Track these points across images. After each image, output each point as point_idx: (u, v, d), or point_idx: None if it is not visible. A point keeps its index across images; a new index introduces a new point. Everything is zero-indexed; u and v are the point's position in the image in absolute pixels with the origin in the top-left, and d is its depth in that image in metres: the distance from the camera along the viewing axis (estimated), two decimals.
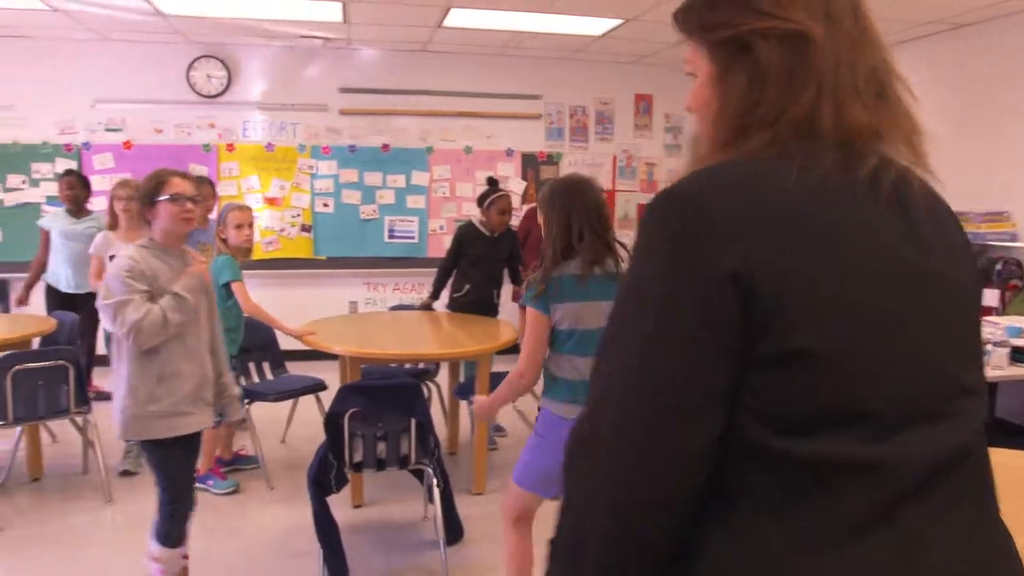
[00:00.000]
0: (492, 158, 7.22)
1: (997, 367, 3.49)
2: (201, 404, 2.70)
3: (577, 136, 7.41)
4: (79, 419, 4.02)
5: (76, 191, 5.17)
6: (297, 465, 4.16)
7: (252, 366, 4.45)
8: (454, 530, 3.39)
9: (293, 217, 6.91)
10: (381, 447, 3.05)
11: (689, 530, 0.79)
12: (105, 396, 4.55)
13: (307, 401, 4.39)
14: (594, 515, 0.79)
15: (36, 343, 4.29)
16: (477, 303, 4.81)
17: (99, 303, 2.59)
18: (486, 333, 4.14)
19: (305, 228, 6.94)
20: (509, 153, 7.26)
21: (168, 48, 6.55)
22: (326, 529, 3.01)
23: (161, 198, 2.62)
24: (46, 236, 5.23)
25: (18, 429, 3.98)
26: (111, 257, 4.17)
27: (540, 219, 2.57)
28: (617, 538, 0.78)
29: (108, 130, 6.58)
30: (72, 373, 3.72)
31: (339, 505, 3.36)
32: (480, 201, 4.86)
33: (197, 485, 3.89)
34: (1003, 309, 4.86)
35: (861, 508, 0.75)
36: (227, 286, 3.84)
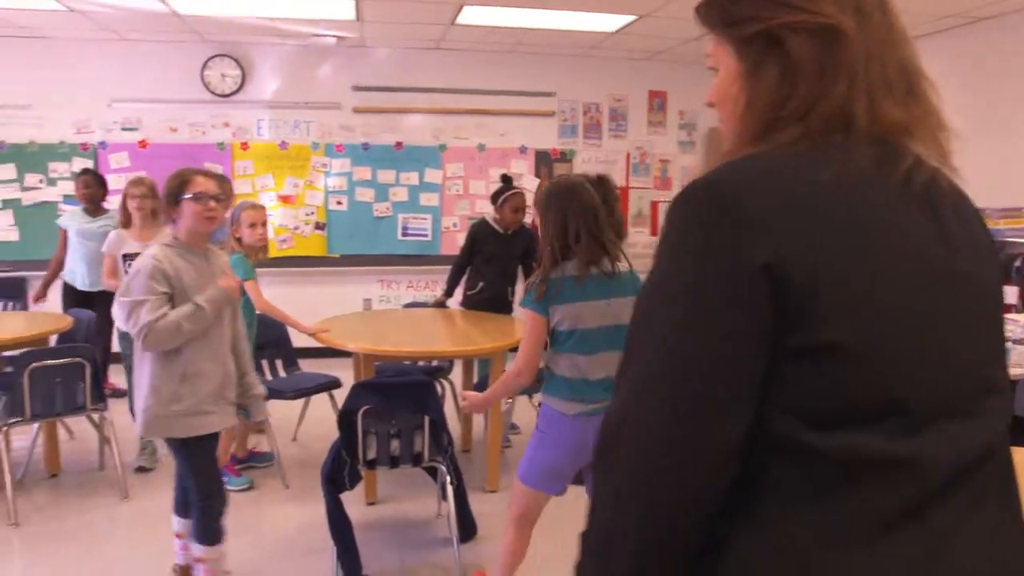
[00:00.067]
0: (505, 155, 7.21)
1: (1016, 365, 3.45)
2: (223, 403, 2.71)
3: (591, 133, 7.38)
4: (95, 416, 4.05)
5: (92, 190, 5.21)
6: (310, 463, 4.17)
7: (265, 364, 4.47)
8: (467, 527, 3.39)
9: (307, 215, 6.93)
10: (395, 444, 3.05)
11: (715, 524, 0.79)
12: (121, 393, 4.60)
13: (318, 398, 4.41)
14: (625, 510, 0.79)
15: (53, 340, 4.33)
16: (491, 301, 4.80)
17: (117, 299, 2.60)
18: (500, 331, 4.14)
19: (319, 226, 6.96)
20: (522, 150, 7.25)
21: (183, 48, 6.59)
22: (340, 526, 3.02)
23: (185, 197, 2.62)
24: (64, 235, 5.27)
25: (35, 426, 4.02)
26: (124, 256, 4.18)
27: (538, 220, 2.59)
28: (649, 532, 0.78)
29: (124, 129, 6.62)
30: (88, 370, 3.75)
31: (353, 502, 3.37)
32: (494, 199, 4.85)
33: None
34: (1022, 307, 4.81)
35: (890, 505, 0.75)
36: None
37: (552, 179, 2.85)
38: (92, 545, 3.37)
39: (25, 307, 6.36)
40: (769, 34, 0.84)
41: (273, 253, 6.35)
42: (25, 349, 3.78)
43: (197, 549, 2.69)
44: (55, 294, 5.36)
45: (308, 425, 4.69)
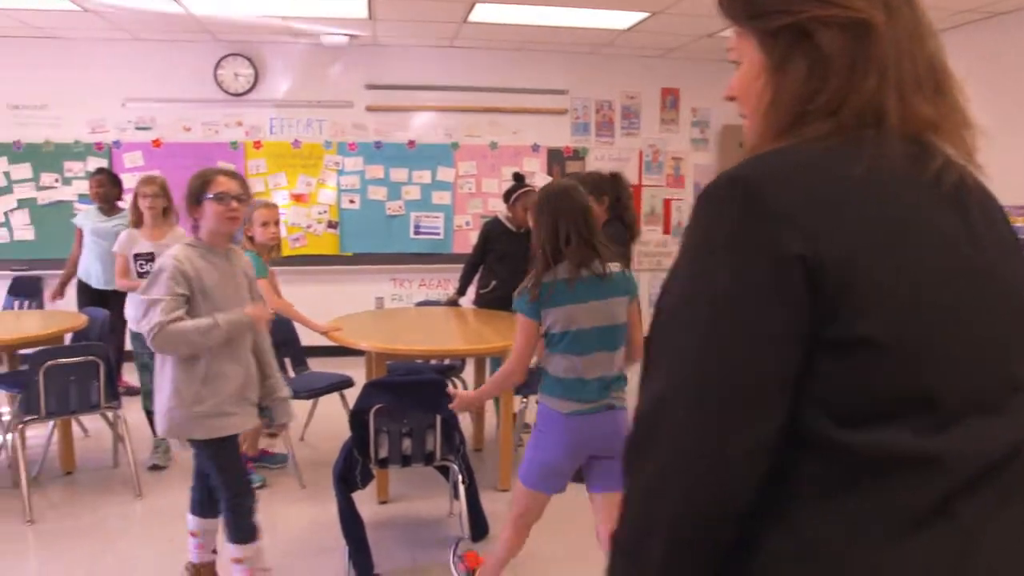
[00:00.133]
0: (518, 154, 7.20)
1: None
2: (245, 404, 2.70)
3: (603, 131, 7.36)
4: (109, 414, 4.07)
5: (105, 189, 5.23)
6: (320, 462, 4.16)
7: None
8: (479, 526, 3.39)
9: (319, 214, 6.95)
10: (406, 443, 3.05)
11: (745, 521, 0.78)
12: (134, 392, 4.62)
13: (327, 397, 4.40)
14: (658, 508, 0.78)
15: (68, 339, 4.36)
16: (504, 299, 4.77)
17: (138, 296, 2.60)
18: (512, 329, 4.09)
19: (331, 224, 6.98)
20: (535, 148, 7.23)
21: (196, 47, 6.61)
22: (352, 525, 3.02)
23: (207, 197, 2.61)
24: (80, 234, 5.31)
25: (51, 423, 4.05)
26: (135, 255, 4.18)
27: (531, 223, 2.63)
28: (681, 531, 0.77)
29: (138, 128, 6.66)
30: (103, 369, 3.77)
31: (365, 501, 3.37)
32: (506, 197, 4.84)
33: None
34: None
35: (919, 502, 0.75)
36: None
37: (546, 183, 2.88)
38: (106, 543, 3.39)
39: (41, 306, 6.41)
40: (798, 27, 0.83)
41: (286, 252, 6.36)
42: (40, 347, 3.81)
43: (233, 549, 2.67)
44: (72, 292, 5.39)
45: (317, 424, 4.70)
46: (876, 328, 0.74)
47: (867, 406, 0.75)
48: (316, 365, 4.66)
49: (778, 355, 0.74)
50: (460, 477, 3.17)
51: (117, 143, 6.63)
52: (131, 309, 4.23)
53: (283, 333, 4.43)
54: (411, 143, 7.03)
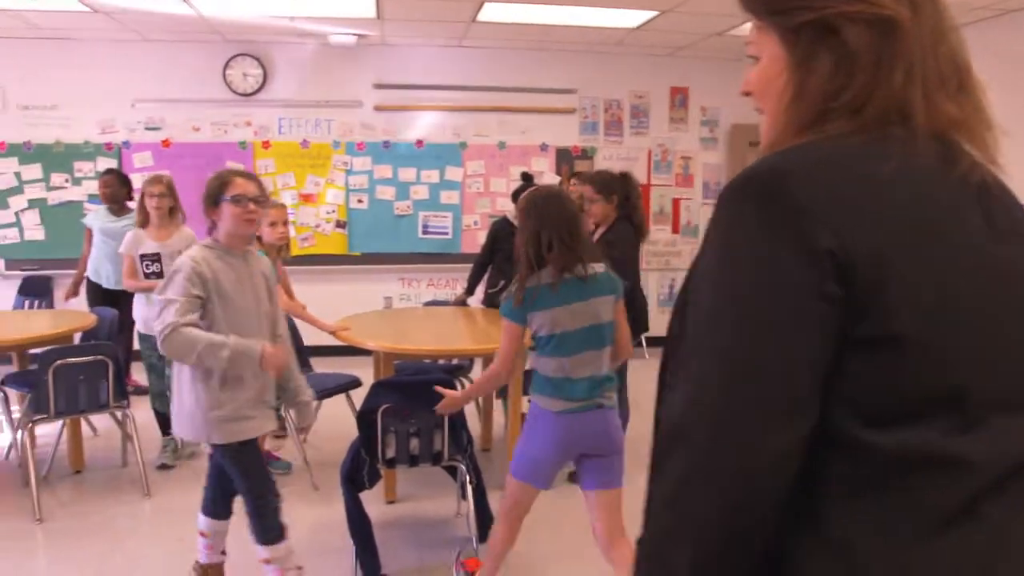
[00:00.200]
0: (526, 153, 7.18)
1: None
2: (263, 408, 2.68)
3: (612, 130, 7.34)
4: (118, 413, 4.08)
5: (113, 189, 5.25)
6: (327, 462, 4.14)
7: None
8: (487, 526, 3.35)
9: (328, 213, 6.95)
10: (414, 443, 3.04)
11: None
12: (143, 390, 4.63)
13: (333, 398, 4.39)
14: (687, 513, 0.77)
15: (77, 338, 4.37)
16: None
17: (155, 296, 2.59)
18: None
19: (340, 224, 6.98)
20: (543, 148, 7.21)
21: (205, 47, 6.62)
22: (359, 525, 3.01)
23: (224, 198, 2.58)
24: (90, 233, 5.33)
25: (60, 422, 4.06)
26: (141, 256, 4.15)
27: (518, 227, 2.69)
28: (712, 535, 0.76)
29: (147, 129, 6.68)
30: (111, 368, 3.78)
31: (372, 501, 3.36)
32: (514, 197, 4.82)
33: None
34: None
35: (948, 501, 0.75)
36: None
37: (534, 188, 2.93)
38: (115, 542, 3.39)
39: (51, 305, 6.45)
40: (823, 23, 0.82)
41: (294, 251, 6.36)
42: (49, 347, 3.82)
43: (261, 550, 2.66)
44: (83, 291, 5.42)
45: (323, 425, 4.67)
46: (906, 326, 0.73)
47: (895, 406, 0.74)
48: (323, 365, 4.65)
49: (812, 352, 0.73)
50: (468, 477, 3.16)
51: (127, 143, 6.66)
52: (139, 310, 4.23)
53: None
54: (419, 143, 7.03)
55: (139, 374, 5.18)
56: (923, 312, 0.74)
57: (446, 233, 7.12)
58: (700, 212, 7.60)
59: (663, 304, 7.59)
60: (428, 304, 5.73)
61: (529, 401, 2.67)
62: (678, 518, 0.77)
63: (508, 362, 2.61)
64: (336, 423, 4.36)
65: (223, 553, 2.93)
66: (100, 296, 5.16)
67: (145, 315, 4.16)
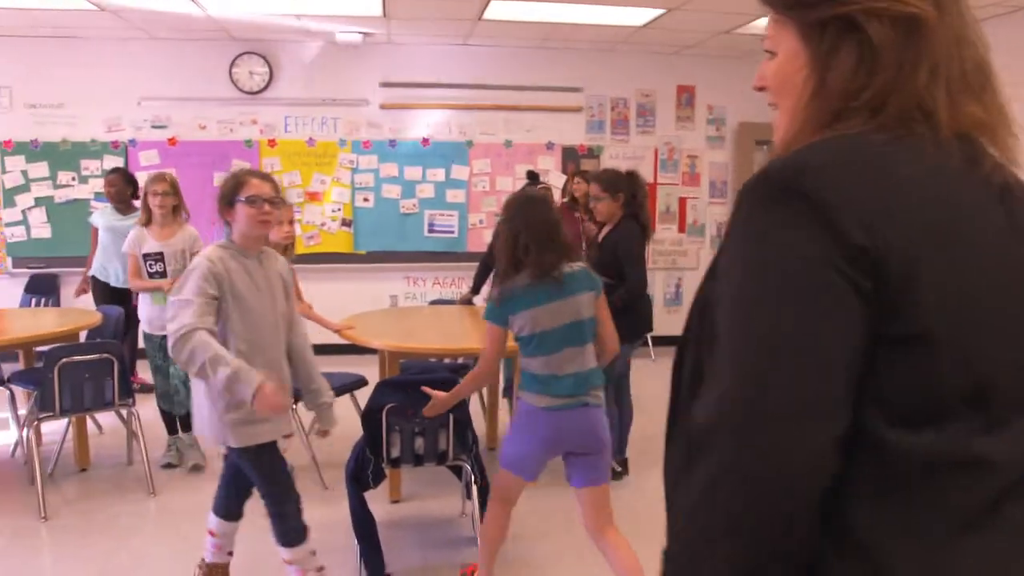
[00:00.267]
0: (532, 152, 7.17)
1: None
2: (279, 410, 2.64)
3: (618, 129, 7.32)
4: (123, 411, 4.08)
5: (118, 188, 5.25)
6: (331, 462, 4.13)
7: None
8: None
9: (334, 212, 6.95)
10: (419, 442, 3.03)
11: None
12: (149, 388, 4.63)
13: (337, 398, 4.38)
14: (728, 513, 0.74)
15: (83, 336, 4.37)
16: None
17: (170, 298, 2.56)
18: None
19: (345, 223, 6.98)
20: (549, 147, 7.20)
21: (211, 46, 6.63)
22: (364, 524, 3.01)
23: (239, 199, 2.55)
24: (95, 232, 5.34)
25: (65, 420, 4.06)
26: (144, 256, 4.10)
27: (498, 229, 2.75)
28: (756, 538, 0.73)
29: (154, 127, 6.69)
30: (116, 367, 3.77)
31: (377, 500, 3.35)
32: None
33: None
34: None
35: (971, 502, 0.75)
36: None
37: (517, 191, 2.97)
38: (119, 540, 3.39)
39: (57, 303, 6.46)
40: (848, 19, 0.81)
41: (300, 250, 6.36)
42: (55, 345, 3.82)
43: (283, 552, 2.65)
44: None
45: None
46: (936, 325, 0.73)
47: (924, 405, 0.74)
48: (328, 364, 4.61)
49: (847, 349, 0.72)
50: (473, 477, 3.15)
51: (133, 141, 6.66)
52: (144, 310, 4.20)
53: None
54: (425, 141, 7.02)
55: (145, 372, 5.19)
56: (950, 311, 0.73)
57: (452, 232, 7.11)
58: (706, 211, 7.57)
59: (669, 304, 7.57)
60: (434, 303, 5.72)
61: (517, 399, 2.72)
62: (713, 521, 0.75)
63: (492, 363, 2.69)
64: (343, 423, 4.34)
65: (229, 553, 2.92)
66: (108, 294, 5.16)
67: (150, 315, 4.14)
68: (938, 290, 0.73)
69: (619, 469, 4.10)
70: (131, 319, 4.74)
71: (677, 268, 7.60)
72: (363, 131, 6.94)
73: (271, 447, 2.63)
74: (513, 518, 3.46)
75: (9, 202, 6.54)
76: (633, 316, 4.01)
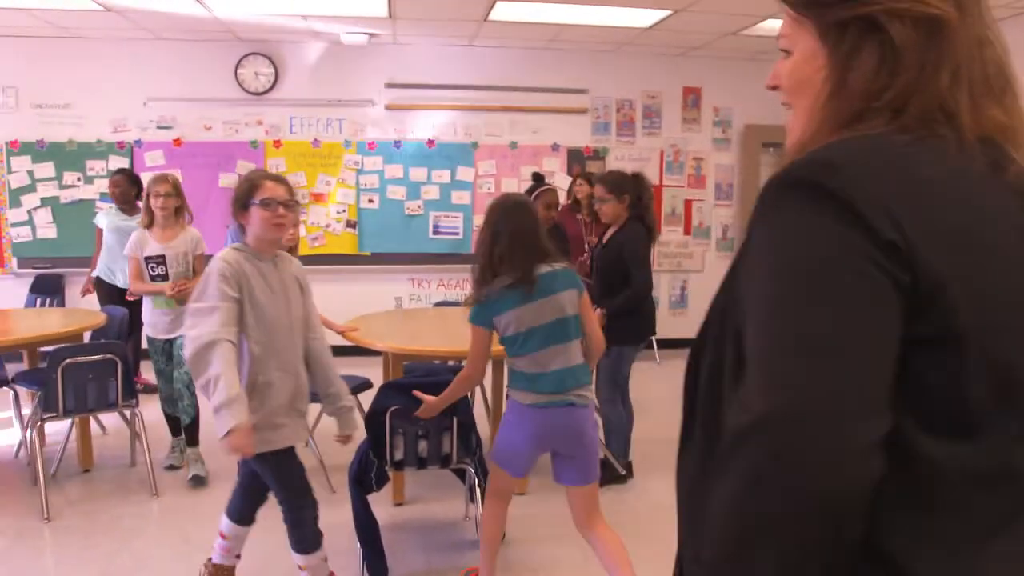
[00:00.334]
0: (537, 153, 7.15)
1: None
2: (295, 415, 2.62)
3: (624, 131, 7.30)
4: (127, 412, 4.07)
5: (122, 188, 5.25)
6: (334, 465, 4.12)
7: None
8: None
9: (338, 213, 6.94)
10: (422, 445, 3.02)
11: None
12: (152, 389, 4.62)
13: None
14: (767, 520, 0.69)
15: (87, 337, 4.37)
16: None
17: (189, 305, 2.49)
18: None
19: (350, 224, 6.97)
20: (555, 148, 7.18)
21: (217, 46, 6.63)
22: (367, 527, 2.99)
23: (253, 202, 2.52)
24: (100, 233, 5.34)
25: (69, 421, 4.06)
26: (146, 259, 4.04)
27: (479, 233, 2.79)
28: (799, 546, 0.69)
29: (159, 127, 6.69)
30: (120, 367, 3.77)
31: (380, 503, 3.34)
32: None
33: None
34: None
35: (995, 514, 0.74)
36: None
37: (500, 195, 3.01)
38: (122, 541, 3.38)
39: (62, 303, 6.47)
40: (870, 19, 0.80)
41: (304, 251, 6.36)
42: (59, 345, 3.82)
43: (297, 557, 2.64)
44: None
45: (330, 426, 4.66)
46: (967, 326, 0.72)
47: (954, 411, 0.73)
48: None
49: (888, 343, 0.70)
50: (476, 480, 3.13)
51: (139, 142, 6.67)
52: (147, 314, 4.17)
53: None
54: (430, 142, 7.01)
55: (148, 373, 5.18)
56: (977, 314, 0.72)
57: (457, 233, 7.09)
58: (712, 213, 7.54)
59: (674, 306, 7.54)
60: (438, 305, 5.71)
61: (506, 396, 2.77)
62: (751, 529, 0.70)
63: (479, 365, 2.71)
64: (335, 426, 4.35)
65: (237, 556, 2.91)
66: (115, 296, 5.15)
67: (153, 320, 4.11)
68: (965, 291, 0.72)
69: (623, 472, 4.08)
70: (135, 320, 4.73)
71: (682, 270, 7.58)
72: (368, 132, 6.94)
73: (288, 453, 2.60)
74: (514, 521, 3.46)
75: (15, 202, 6.56)
76: (637, 318, 3.99)
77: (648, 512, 3.76)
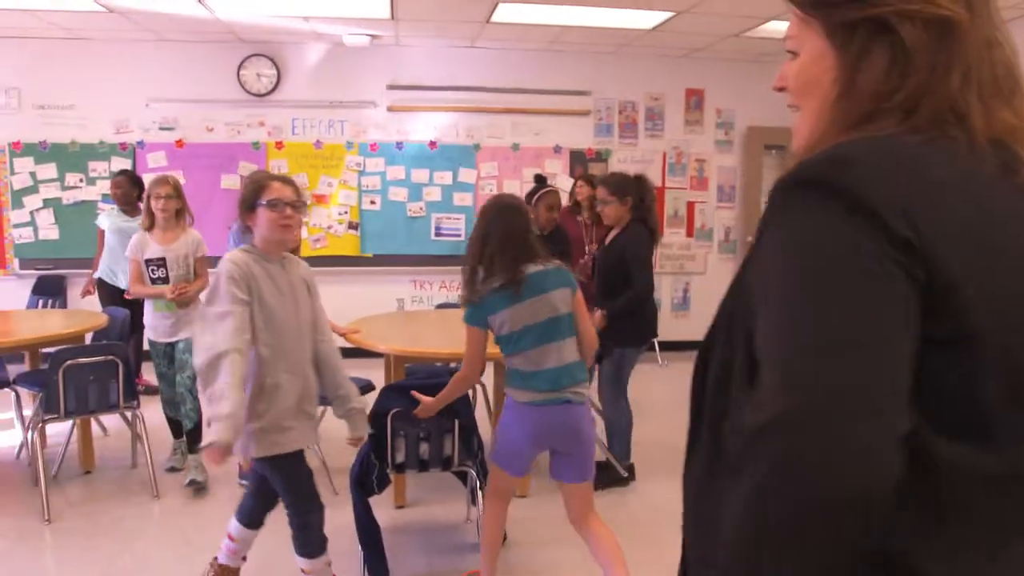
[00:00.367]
0: (540, 155, 7.15)
1: None
2: (303, 418, 2.59)
3: (626, 132, 7.29)
4: (128, 414, 4.07)
5: (124, 190, 5.25)
6: (335, 467, 4.12)
7: None
8: None
9: (340, 214, 6.94)
10: (424, 448, 3.01)
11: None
12: (154, 390, 4.62)
13: None
14: (787, 522, 0.67)
15: (89, 338, 4.36)
16: None
17: (201, 308, 2.50)
18: None
19: (352, 226, 6.96)
20: (557, 150, 7.18)
21: (219, 48, 6.63)
22: (368, 530, 2.98)
23: (260, 203, 2.50)
24: (102, 234, 5.34)
25: (70, 422, 4.05)
26: (146, 261, 4.00)
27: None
28: (819, 548, 0.67)
29: (161, 129, 6.69)
30: (121, 368, 3.76)
31: (381, 505, 3.33)
32: (528, 199, 4.79)
33: (240, 482, 3.94)
34: None
35: (1010, 517, 0.73)
36: None
37: (495, 195, 3.04)
38: (123, 543, 3.37)
39: (64, 304, 6.47)
40: (880, 20, 0.80)
41: (306, 252, 6.36)
42: (61, 346, 3.81)
43: (301, 561, 2.63)
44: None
45: (331, 429, 4.65)
46: (979, 328, 0.71)
47: (965, 414, 0.72)
48: None
49: (910, 339, 0.69)
50: (478, 483, 3.12)
51: (141, 143, 6.67)
52: (148, 318, 4.15)
53: None
54: (432, 144, 7.01)
55: (150, 374, 5.18)
56: (990, 315, 0.72)
57: (459, 235, 7.08)
58: (714, 215, 7.53)
59: (677, 308, 7.53)
60: (440, 306, 5.69)
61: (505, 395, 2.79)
62: (771, 532, 0.68)
63: (475, 365, 2.73)
64: (340, 428, 4.34)
65: (243, 558, 2.90)
66: (117, 297, 5.14)
67: (154, 323, 4.08)
68: (978, 292, 0.71)
69: (625, 474, 4.07)
70: (136, 320, 4.72)
71: (685, 272, 7.56)
72: (370, 134, 6.94)
73: (297, 457, 2.58)
74: (516, 524, 3.45)
75: (17, 203, 6.56)
76: (639, 321, 3.98)
77: (649, 515, 3.75)
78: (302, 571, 2.66)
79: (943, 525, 0.72)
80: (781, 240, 0.76)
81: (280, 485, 2.59)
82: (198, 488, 3.93)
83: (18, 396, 4.31)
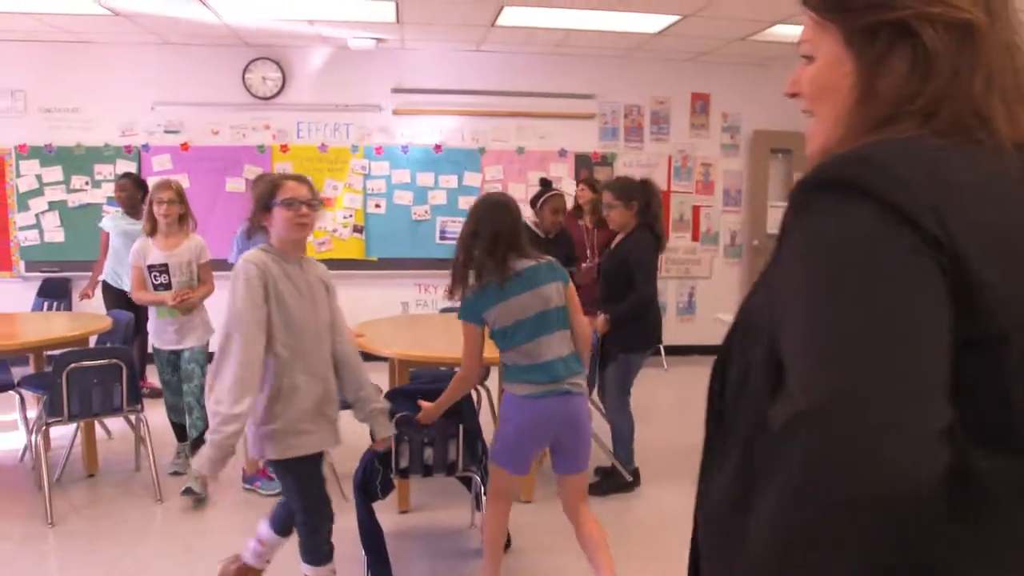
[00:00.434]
0: (545, 159, 7.13)
1: None
2: (322, 421, 2.54)
3: (632, 136, 7.27)
4: (132, 417, 4.06)
5: (128, 193, 5.25)
6: (339, 472, 4.12)
7: None
8: None
9: (345, 218, 6.94)
10: (428, 453, 3.00)
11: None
12: (157, 393, 4.61)
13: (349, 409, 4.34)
14: (823, 522, 0.63)
15: (93, 341, 4.36)
16: None
17: (217, 340, 2.43)
18: None
19: (357, 229, 6.96)
20: (562, 154, 7.16)
21: (225, 51, 6.64)
22: (372, 535, 2.97)
23: (275, 202, 2.48)
24: (106, 237, 5.34)
25: (74, 425, 4.05)
26: (149, 267, 3.96)
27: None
28: (857, 549, 0.63)
29: (167, 132, 6.70)
30: (125, 372, 3.75)
31: (385, 510, 3.32)
32: (533, 203, 4.78)
33: (244, 486, 3.93)
34: None
35: None
36: None
37: (486, 193, 3.05)
38: (126, 547, 3.36)
39: (69, 307, 6.47)
40: (900, 24, 0.78)
41: (311, 255, 6.34)
42: (65, 349, 3.81)
43: (305, 568, 2.61)
44: (98, 292, 5.42)
45: (345, 437, 4.63)
46: (1006, 330, 0.69)
47: (994, 418, 0.70)
48: None
49: (945, 332, 0.67)
50: (482, 488, 3.10)
51: (146, 146, 6.68)
52: (151, 324, 4.13)
53: None
54: (438, 147, 7.00)
55: (154, 376, 5.18)
56: (1017, 317, 0.70)
57: None
58: (720, 220, 7.51)
59: (682, 313, 7.50)
60: (445, 311, 5.68)
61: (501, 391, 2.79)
62: (807, 532, 0.64)
63: (474, 364, 2.75)
64: (351, 433, 4.31)
65: (267, 562, 2.88)
66: (121, 299, 5.14)
67: (157, 330, 4.05)
68: (1006, 293, 0.70)
69: (630, 479, 4.04)
70: (141, 323, 4.72)
71: (690, 277, 7.54)
72: (375, 137, 6.93)
73: (312, 462, 2.55)
74: (520, 530, 3.43)
75: (23, 206, 6.57)
76: (643, 325, 3.97)
77: (653, 519, 3.73)
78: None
79: (972, 534, 0.70)
80: (810, 240, 0.73)
81: (291, 489, 2.56)
82: (198, 500, 3.83)
83: (22, 399, 4.31)
